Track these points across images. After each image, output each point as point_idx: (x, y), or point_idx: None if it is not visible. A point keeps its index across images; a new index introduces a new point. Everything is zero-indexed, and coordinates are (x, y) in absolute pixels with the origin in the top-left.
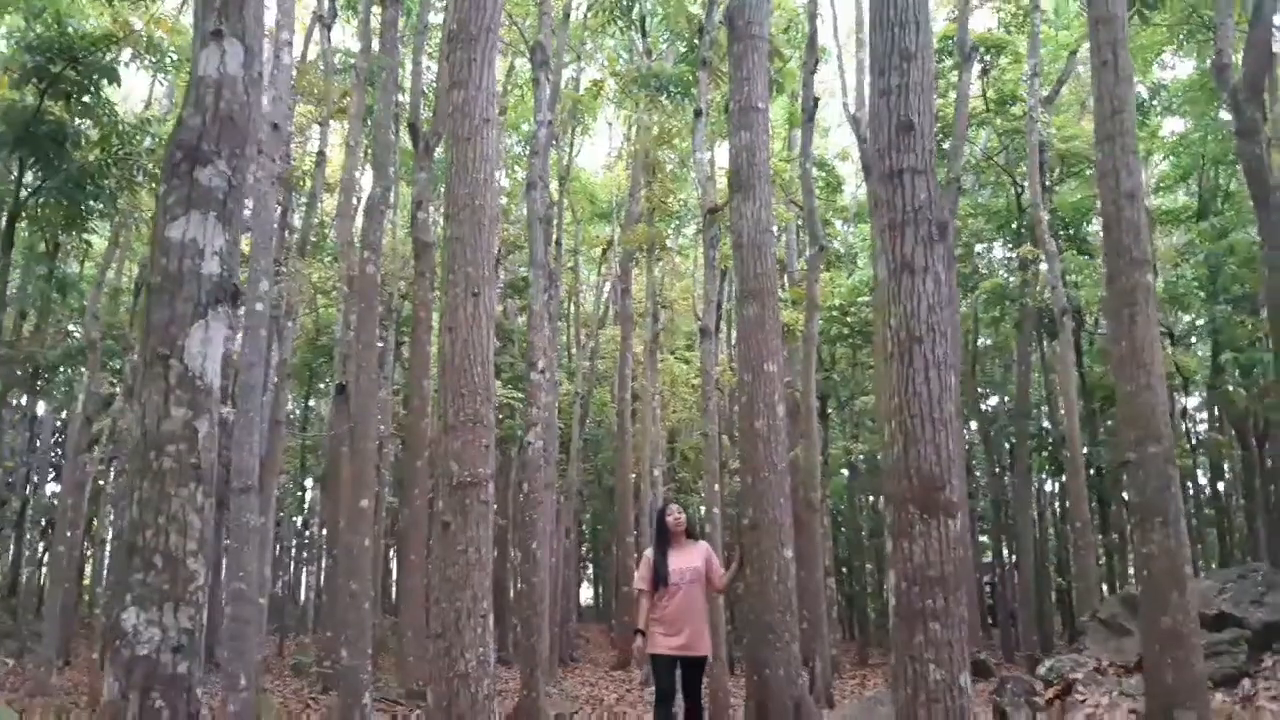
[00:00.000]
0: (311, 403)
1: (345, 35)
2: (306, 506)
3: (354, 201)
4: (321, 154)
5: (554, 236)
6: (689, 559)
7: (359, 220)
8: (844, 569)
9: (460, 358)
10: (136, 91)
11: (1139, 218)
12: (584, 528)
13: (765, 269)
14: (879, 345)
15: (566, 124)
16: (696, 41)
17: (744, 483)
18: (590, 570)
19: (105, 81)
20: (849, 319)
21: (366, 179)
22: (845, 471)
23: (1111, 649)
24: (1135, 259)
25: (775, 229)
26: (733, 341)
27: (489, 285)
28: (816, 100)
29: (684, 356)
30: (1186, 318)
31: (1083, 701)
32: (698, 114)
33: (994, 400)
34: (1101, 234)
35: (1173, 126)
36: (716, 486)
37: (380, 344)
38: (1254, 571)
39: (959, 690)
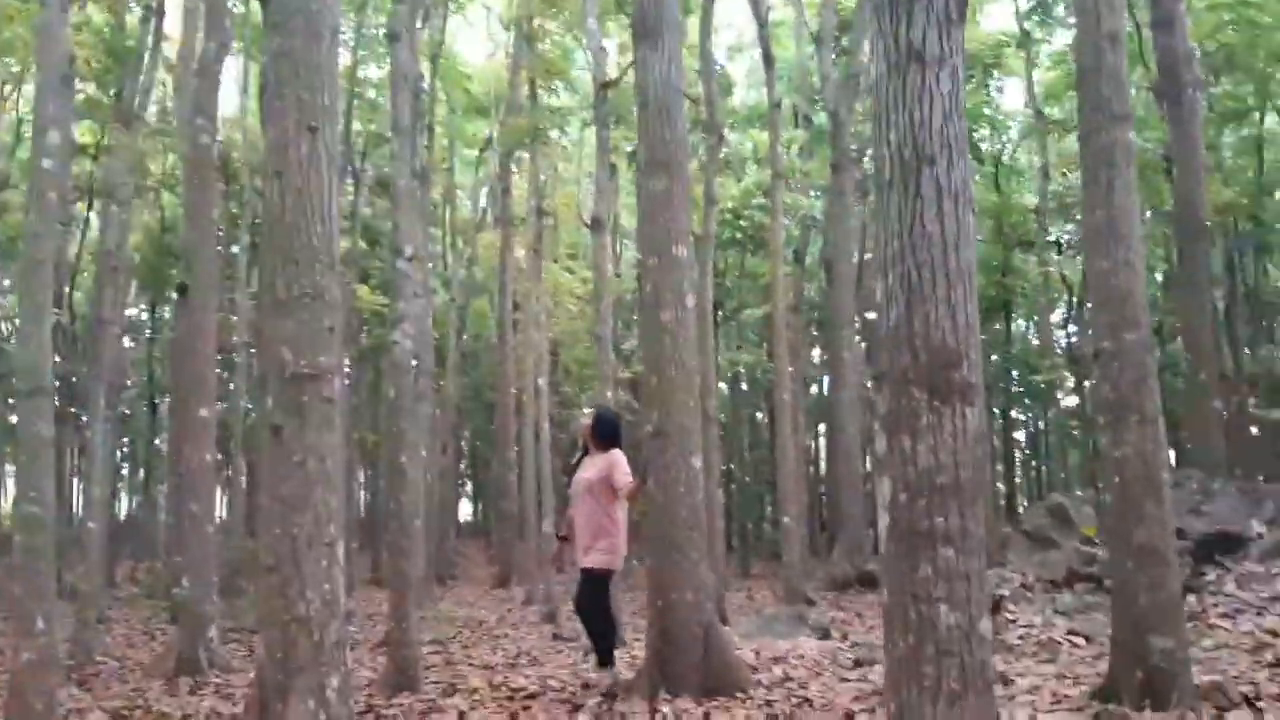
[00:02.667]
0: (167, 314)
1: None
2: (156, 423)
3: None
4: (149, 9)
5: (424, 121)
6: (590, 469)
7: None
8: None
9: (292, 212)
10: None
11: (1121, 64)
12: (462, 444)
13: (675, 135)
14: (876, 168)
15: None
16: None
17: (647, 384)
18: (469, 487)
19: None
20: (741, 222)
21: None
22: (723, 386)
23: (1037, 563)
24: (1116, 113)
25: (685, 88)
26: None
27: (331, 119)
28: None
29: (567, 266)
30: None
31: (1013, 621)
32: None
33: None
34: (1075, 84)
35: (1063, 38)
36: (609, 394)
37: (235, 248)
38: (1187, 479)
39: (979, 639)
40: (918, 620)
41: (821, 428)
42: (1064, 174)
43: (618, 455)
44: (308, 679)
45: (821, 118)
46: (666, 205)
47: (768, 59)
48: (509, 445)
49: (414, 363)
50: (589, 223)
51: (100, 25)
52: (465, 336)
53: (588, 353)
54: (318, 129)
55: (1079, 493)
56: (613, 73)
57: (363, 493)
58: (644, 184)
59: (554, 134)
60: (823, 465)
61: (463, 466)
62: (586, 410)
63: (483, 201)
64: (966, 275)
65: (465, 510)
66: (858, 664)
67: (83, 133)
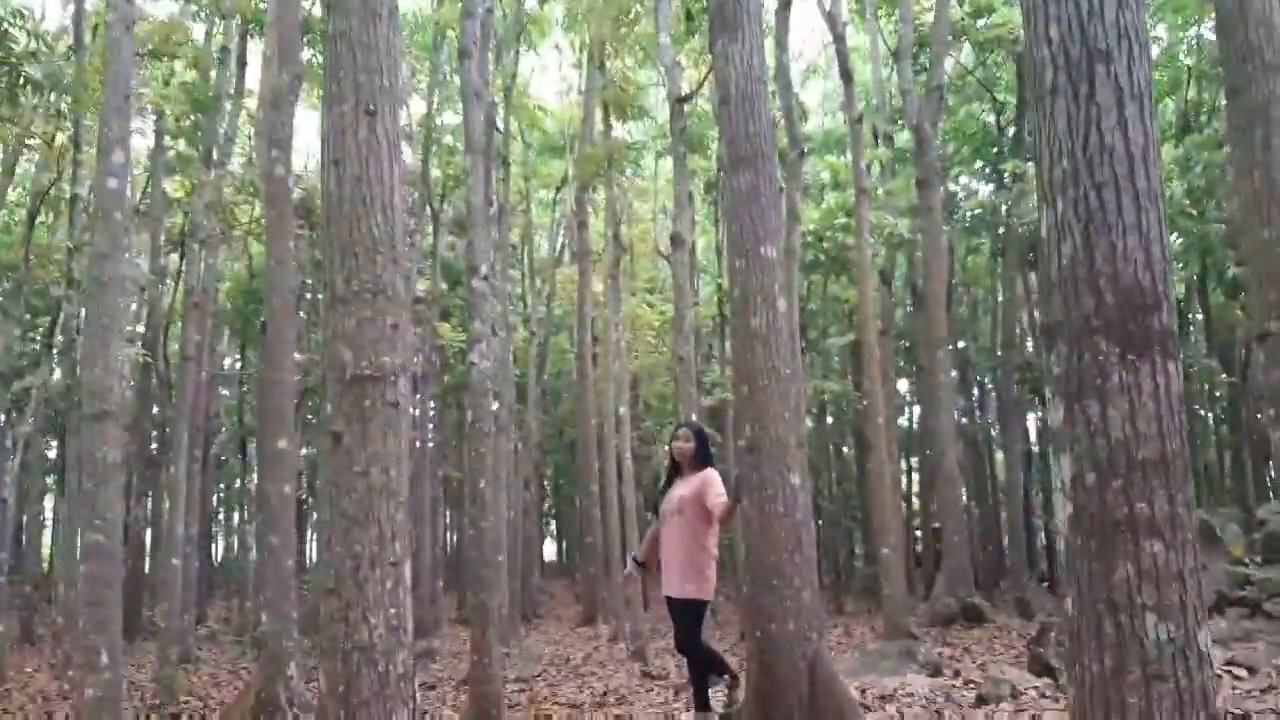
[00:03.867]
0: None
1: None
2: (245, 465)
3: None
4: (226, 50)
5: (500, 157)
6: (681, 488)
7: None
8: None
9: (351, 202)
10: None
11: (1270, 10)
12: (545, 481)
13: (759, 128)
14: (1031, 74)
15: (511, 34)
16: None
17: (739, 394)
18: (553, 526)
19: None
20: (825, 244)
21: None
22: (807, 418)
23: None
24: (1268, 63)
25: (767, 80)
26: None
27: (390, 100)
28: None
29: (645, 300)
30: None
31: None
32: None
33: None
34: (1216, 33)
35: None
36: (694, 417)
37: (320, 295)
38: None
39: (1198, 658)
40: (1117, 634)
41: (913, 461)
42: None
43: (712, 474)
44: (371, 714)
45: (903, 137)
46: (753, 201)
47: (845, 74)
48: (591, 479)
49: (494, 397)
50: (669, 243)
51: (186, 79)
52: (545, 374)
53: (666, 387)
54: (376, 113)
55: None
56: (689, 85)
57: (449, 534)
58: (729, 181)
59: (628, 170)
60: (914, 501)
61: (546, 505)
62: (678, 428)
63: (560, 240)
64: (1157, 196)
65: (549, 550)
66: (982, 701)
67: (175, 188)
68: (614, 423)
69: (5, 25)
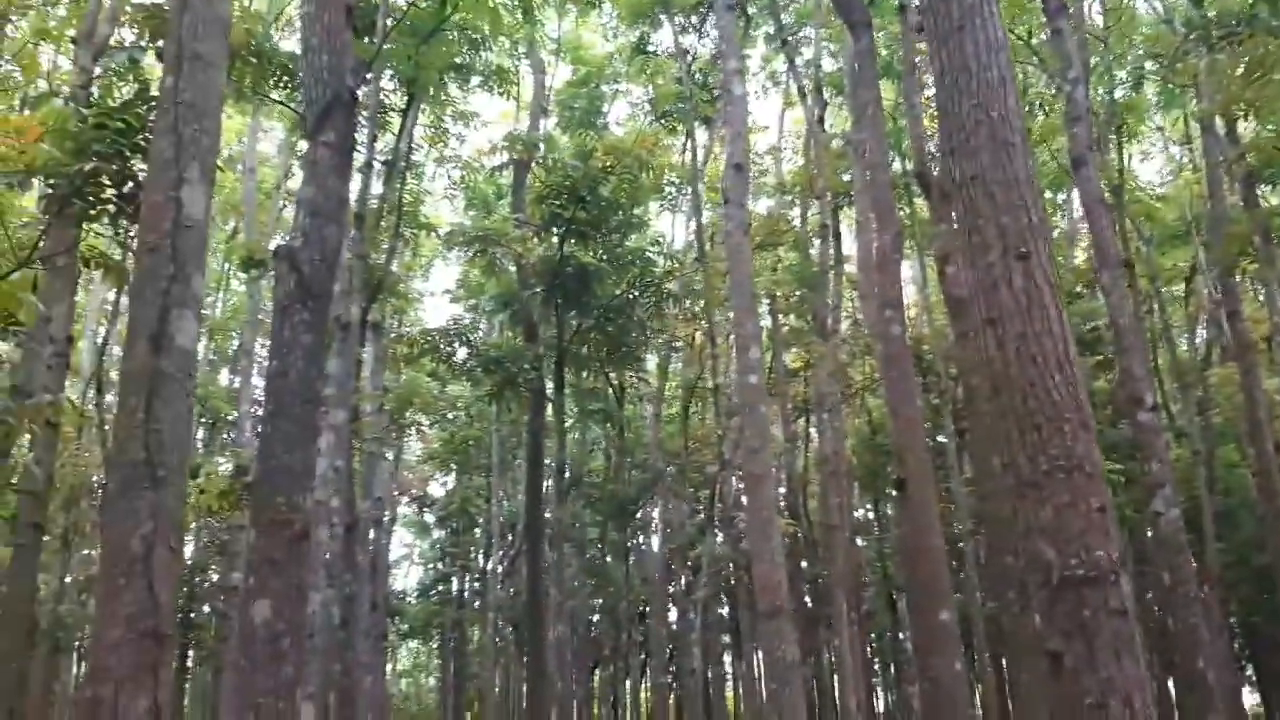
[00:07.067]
0: (889, 511)
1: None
2: (896, 621)
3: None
4: (824, 226)
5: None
6: None
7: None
8: None
9: (1019, 365)
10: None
11: None
12: (1230, 616)
13: None
14: None
15: (1107, 130)
16: None
17: None
18: (1250, 670)
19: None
20: None
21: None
22: None
23: None
24: None
25: None
26: None
27: (1042, 238)
28: None
29: None
30: None
31: None
32: None
33: None
34: None
35: None
36: None
37: (941, 437)
38: None
39: None
40: None
41: None
42: None
43: None
44: None
45: None
46: None
47: None
48: None
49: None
50: None
51: (787, 260)
52: (1215, 494)
53: None
54: (1029, 255)
55: None
56: None
57: None
58: None
59: None
60: None
61: (1235, 646)
62: None
63: (1200, 336)
64: None
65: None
66: None
67: (792, 359)
68: None
69: (647, 253)
